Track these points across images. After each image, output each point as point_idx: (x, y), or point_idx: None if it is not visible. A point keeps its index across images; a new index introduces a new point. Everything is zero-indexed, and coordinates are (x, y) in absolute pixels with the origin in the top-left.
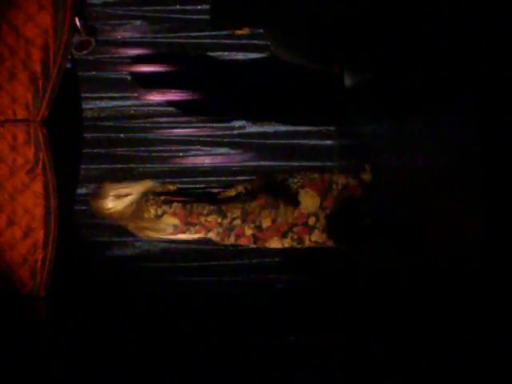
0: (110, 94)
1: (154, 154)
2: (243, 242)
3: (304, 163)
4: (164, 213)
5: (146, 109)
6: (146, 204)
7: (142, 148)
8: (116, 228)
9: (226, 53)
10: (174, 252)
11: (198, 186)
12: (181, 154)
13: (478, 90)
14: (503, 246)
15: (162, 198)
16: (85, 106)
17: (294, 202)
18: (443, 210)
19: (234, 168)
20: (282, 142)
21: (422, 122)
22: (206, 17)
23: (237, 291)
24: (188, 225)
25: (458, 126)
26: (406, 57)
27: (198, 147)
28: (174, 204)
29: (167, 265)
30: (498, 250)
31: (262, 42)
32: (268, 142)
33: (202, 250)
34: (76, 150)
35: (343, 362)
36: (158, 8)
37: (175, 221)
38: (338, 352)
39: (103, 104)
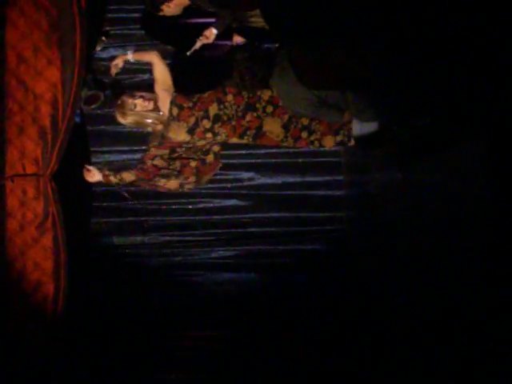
0: (119, 148)
1: (163, 207)
2: None
3: (313, 214)
4: None
5: None
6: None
7: (152, 201)
8: (127, 280)
9: None
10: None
11: (207, 238)
12: (190, 207)
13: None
14: None
15: None
16: (94, 159)
17: None
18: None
19: (243, 220)
20: (291, 192)
21: (429, 170)
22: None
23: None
24: None
25: (467, 172)
26: (412, 103)
27: (208, 199)
28: None
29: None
30: None
31: None
32: (277, 193)
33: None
34: (85, 203)
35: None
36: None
37: None
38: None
39: (112, 157)
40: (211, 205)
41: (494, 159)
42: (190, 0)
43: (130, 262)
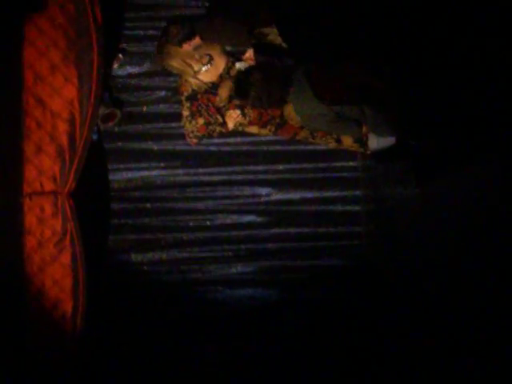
0: (136, 165)
1: (180, 224)
2: None
3: (331, 229)
4: None
5: (172, 179)
6: None
7: (169, 218)
8: (145, 296)
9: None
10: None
11: (225, 254)
12: (208, 223)
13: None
14: None
15: None
16: (111, 177)
17: None
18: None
19: (261, 235)
20: (309, 208)
21: (446, 184)
22: None
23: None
24: None
25: (483, 187)
26: (430, 119)
27: (225, 215)
28: None
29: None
30: None
31: None
32: (294, 208)
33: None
34: (103, 221)
35: None
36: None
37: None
38: None
39: (129, 175)
40: (229, 221)
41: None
42: (205, 41)
43: (148, 279)
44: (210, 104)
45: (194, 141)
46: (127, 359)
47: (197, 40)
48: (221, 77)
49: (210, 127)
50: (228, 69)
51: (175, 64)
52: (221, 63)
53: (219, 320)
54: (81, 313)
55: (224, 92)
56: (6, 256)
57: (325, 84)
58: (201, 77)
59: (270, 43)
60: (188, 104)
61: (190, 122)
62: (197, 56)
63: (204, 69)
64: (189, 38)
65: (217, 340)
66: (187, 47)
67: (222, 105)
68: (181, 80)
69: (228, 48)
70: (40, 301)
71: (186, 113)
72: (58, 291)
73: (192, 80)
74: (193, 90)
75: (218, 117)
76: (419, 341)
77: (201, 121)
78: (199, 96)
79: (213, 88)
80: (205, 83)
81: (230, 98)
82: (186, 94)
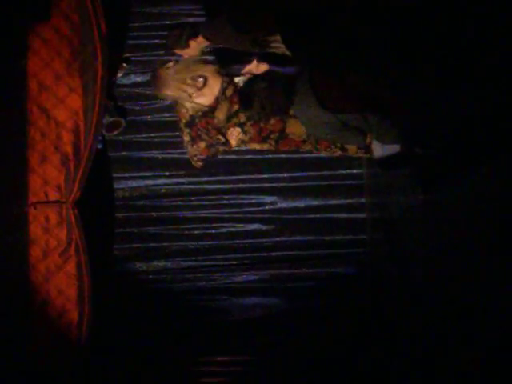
0: (141, 174)
1: (185, 232)
2: None
3: (336, 237)
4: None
5: (176, 187)
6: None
7: (174, 226)
8: (150, 305)
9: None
10: None
11: (230, 262)
12: (213, 232)
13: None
14: None
15: None
16: (116, 185)
17: None
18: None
19: (266, 244)
20: (314, 216)
21: (452, 192)
22: None
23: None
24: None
25: (490, 195)
26: (436, 126)
27: (230, 224)
28: None
29: None
30: None
31: None
32: (300, 216)
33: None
34: (108, 229)
35: None
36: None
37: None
38: None
39: (134, 183)
40: (234, 229)
41: None
42: (209, 40)
43: (153, 288)
44: (209, 127)
45: (199, 163)
46: (132, 367)
47: (201, 38)
48: (217, 99)
49: (213, 148)
50: (224, 90)
51: (169, 92)
52: (216, 84)
53: (224, 329)
54: (86, 322)
55: (221, 114)
56: (11, 266)
57: (329, 92)
58: (197, 100)
59: (273, 51)
60: (188, 130)
61: (192, 146)
62: (189, 81)
63: (198, 93)
64: (194, 35)
65: (221, 348)
66: (194, 45)
67: (221, 125)
68: (177, 107)
69: (226, 55)
70: (45, 310)
71: (186, 138)
72: (64, 300)
73: (188, 104)
74: (190, 116)
75: (220, 137)
76: (424, 347)
77: (202, 144)
78: (197, 120)
79: (210, 111)
80: (202, 106)
81: (228, 119)
82: (184, 120)
